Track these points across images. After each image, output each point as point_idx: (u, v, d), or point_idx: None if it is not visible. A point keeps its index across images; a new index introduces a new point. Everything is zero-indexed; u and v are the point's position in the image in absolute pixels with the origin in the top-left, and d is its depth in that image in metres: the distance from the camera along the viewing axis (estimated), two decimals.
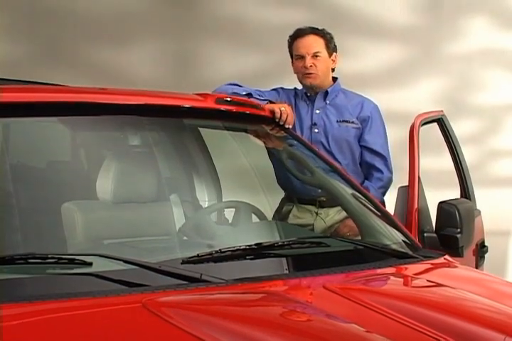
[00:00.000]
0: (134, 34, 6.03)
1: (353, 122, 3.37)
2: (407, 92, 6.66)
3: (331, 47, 3.38)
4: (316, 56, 3.34)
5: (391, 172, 3.40)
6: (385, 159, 3.38)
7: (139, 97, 2.70)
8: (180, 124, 3.08)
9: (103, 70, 5.84)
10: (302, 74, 3.36)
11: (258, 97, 3.19)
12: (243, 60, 6.22)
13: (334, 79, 3.46)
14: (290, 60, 3.44)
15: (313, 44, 3.35)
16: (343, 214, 3.11)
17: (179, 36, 6.12)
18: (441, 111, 3.34)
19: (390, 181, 3.39)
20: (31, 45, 5.78)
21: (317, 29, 3.40)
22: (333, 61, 3.40)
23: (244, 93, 3.18)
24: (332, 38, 3.40)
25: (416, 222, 2.80)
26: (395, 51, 6.73)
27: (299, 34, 3.38)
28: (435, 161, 5.04)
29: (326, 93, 3.41)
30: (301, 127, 3.37)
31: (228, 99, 2.84)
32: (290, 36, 3.42)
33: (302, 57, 3.34)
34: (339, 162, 3.26)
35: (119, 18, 5.96)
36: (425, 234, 2.78)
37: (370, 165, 3.38)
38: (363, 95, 3.48)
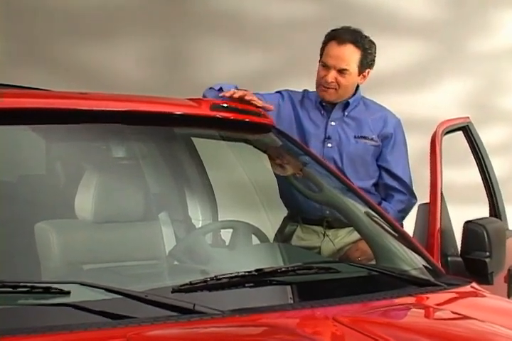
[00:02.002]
0: (119, 31, 6.05)
1: (372, 139, 3.34)
2: (428, 96, 6.66)
3: (365, 63, 3.30)
4: (343, 72, 3.27)
5: (415, 198, 3.37)
6: (405, 184, 3.36)
7: (124, 103, 2.71)
8: (170, 134, 3.09)
9: (84, 72, 5.86)
10: (320, 85, 3.32)
11: None
12: (242, 60, 6.24)
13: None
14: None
15: (345, 57, 3.26)
16: (355, 235, 3.11)
17: (170, 33, 6.14)
18: (468, 117, 3.35)
19: (412, 206, 3.37)
20: (4, 43, 5.80)
21: (359, 37, 3.29)
22: (364, 77, 3.34)
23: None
24: (371, 52, 3.30)
25: (438, 245, 2.80)
26: (414, 49, 6.75)
27: (335, 37, 3.29)
28: (460, 174, 5.04)
29: (347, 104, 3.36)
30: (312, 139, 3.33)
31: (225, 105, 2.85)
32: (328, 33, 3.33)
33: (328, 67, 3.28)
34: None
35: (102, 12, 5.98)
36: (449, 259, 2.78)
37: (390, 187, 3.37)
38: (383, 105, 3.44)
